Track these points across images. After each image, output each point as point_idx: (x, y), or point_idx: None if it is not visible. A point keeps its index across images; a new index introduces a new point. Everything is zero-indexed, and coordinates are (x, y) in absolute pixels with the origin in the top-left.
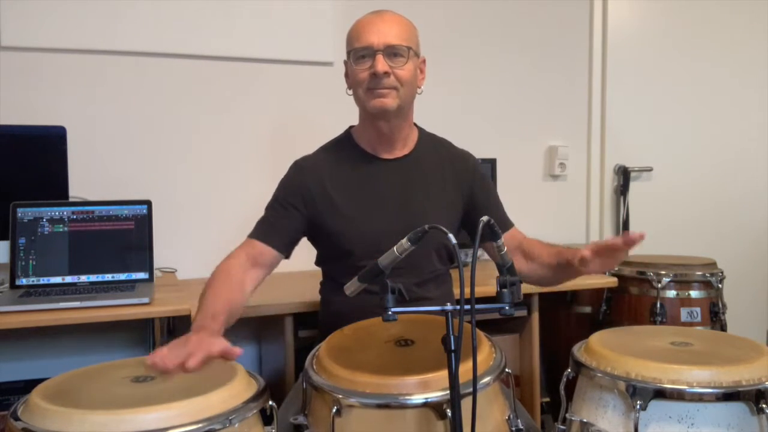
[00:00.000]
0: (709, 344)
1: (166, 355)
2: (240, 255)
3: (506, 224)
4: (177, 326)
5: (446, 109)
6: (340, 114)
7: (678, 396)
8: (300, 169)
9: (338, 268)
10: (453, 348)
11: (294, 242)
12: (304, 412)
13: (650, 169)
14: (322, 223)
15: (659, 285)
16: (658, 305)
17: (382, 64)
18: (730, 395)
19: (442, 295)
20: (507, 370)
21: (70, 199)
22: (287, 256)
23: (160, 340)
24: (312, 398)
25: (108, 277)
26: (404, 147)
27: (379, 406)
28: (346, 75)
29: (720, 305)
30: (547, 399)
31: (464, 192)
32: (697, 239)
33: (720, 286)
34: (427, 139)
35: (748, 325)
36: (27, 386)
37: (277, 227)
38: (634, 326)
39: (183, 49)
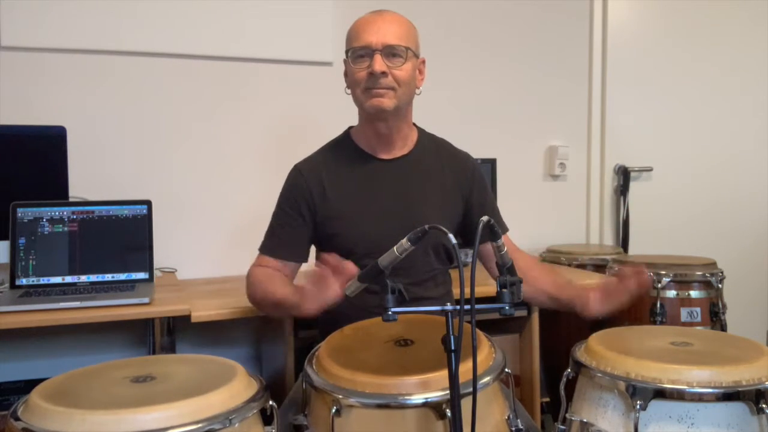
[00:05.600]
0: (709, 344)
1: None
2: (264, 268)
3: (500, 229)
4: (177, 326)
5: (446, 109)
6: (340, 114)
7: (678, 396)
8: (300, 173)
9: None
10: (453, 348)
11: (307, 247)
12: (304, 412)
13: (650, 169)
14: (323, 224)
15: (659, 285)
16: (658, 305)
17: (379, 63)
18: (730, 395)
19: (441, 295)
20: (507, 370)
21: (70, 199)
22: (305, 261)
23: (160, 340)
24: (312, 398)
25: (108, 277)
26: (403, 147)
27: (379, 406)
28: (346, 74)
29: (720, 305)
30: (547, 399)
31: (463, 193)
32: (697, 239)
33: (720, 286)
34: (426, 140)
35: (748, 325)
36: (27, 386)
37: (287, 240)
38: (634, 326)
39: (183, 49)
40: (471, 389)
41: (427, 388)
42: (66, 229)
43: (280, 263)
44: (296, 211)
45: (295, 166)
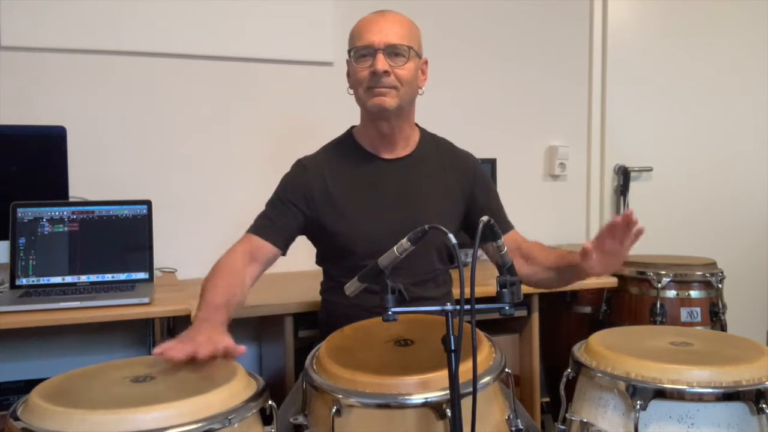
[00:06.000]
0: (709, 344)
1: (174, 347)
2: (238, 250)
3: (506, 226)
4: (177, 326)
5: (447, 109)
6: (341, 114)
7: (678, 396)
8: (303, 167)
9: (339, 267)
10: (453, 348)
11: (292, 239)
12: (304, 411)
13: (650, 169)
14: (323, 222)
15: (659, 285)
16: (658, 305)
17: (382, 62)
18: (730, 395)
19: (442, 295)
20: (507, 370)
21: (70, 199)
22: (284, 253)
23: (160, 340)
24: (312, 398)
25: (108, 277)
26: (405, 147)
27: (379, 406)
28: (348, 74)
29: (720, 305)
30: (547, 399)
31: (465, 193)
32: (697, 239)
33: (720, 286)
34: (428, 140)
35: (748, 325)
36: (27, 386)
37: (277, 224)
38: (634, 326)
39: (183, 49)
40: (471, 389)
41: (427, 388)
42: (66, 229)
43: (263, 243)
44: (291, 203)
45: (299, 160)
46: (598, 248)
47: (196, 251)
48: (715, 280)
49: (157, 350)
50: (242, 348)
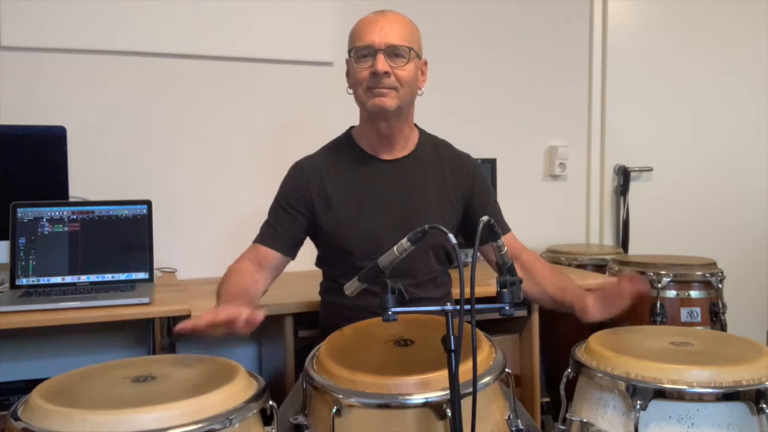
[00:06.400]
0: (709, 344)
1: (193, 320)
2: (246, 259)
3: (503, 229)
4: None
5: (446, 109)
6: (340, 114)
7: (678, 396)
8: (300, 169)
9: (338, 268)
10: (453, 348)
11: (298, 243)
12: (304, 412)
13: (650, 169)
14: (322, 223)
15: (659, 285)
16: (658, 305)
17: (382, 63)
18: (730, 395)
19: (441, 295)
20: (507, 370)
21: (70, 199)
22: (293, 258)
23: (160, 340)
24: (312, 398)
25: (108, 277)
26: (404, 148)
27: (379, 406)
28: (348, 74)
29: (720, 305)
30: (547, 399)
31: (463, 194)
32: (697, 239)
33: (720, 286)
34: (427, 141)
35: (748, 325)
36: (27, 386)
37: (280, 230)
38: (634, 326)
39: (183, 49)
40: (471, 389)
41: (427, 388)
42: (66, 229)
43: (268, 251)
44: (292, 206)
45: (297, 162)
46: (600, 302)
47: (196, 251)
48: (715, 280)
49: (179, 326)
50: (261, 315)
